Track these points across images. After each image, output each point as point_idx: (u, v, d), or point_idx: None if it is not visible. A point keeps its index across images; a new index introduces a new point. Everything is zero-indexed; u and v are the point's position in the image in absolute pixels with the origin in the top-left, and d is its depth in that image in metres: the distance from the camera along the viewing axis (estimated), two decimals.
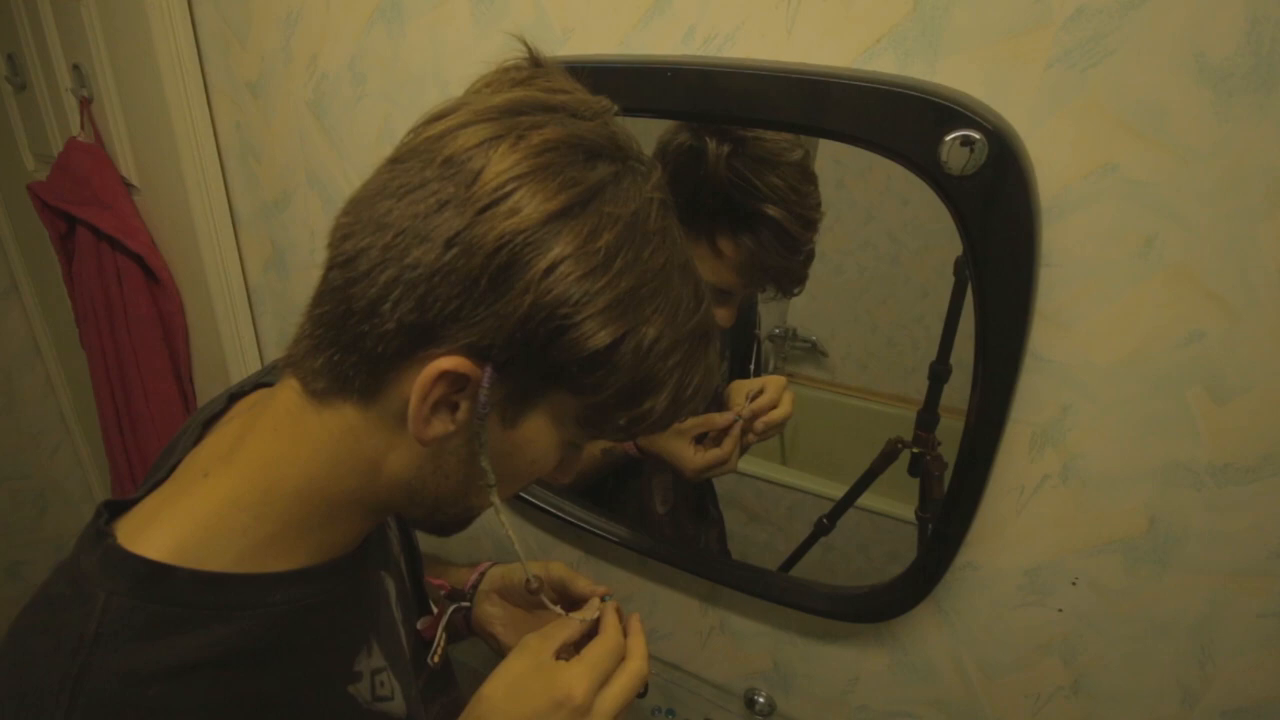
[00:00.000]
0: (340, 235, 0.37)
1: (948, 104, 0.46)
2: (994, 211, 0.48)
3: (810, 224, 0.63)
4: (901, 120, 0.48)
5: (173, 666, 0.36)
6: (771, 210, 0.61)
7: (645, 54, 0.60)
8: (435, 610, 0.61)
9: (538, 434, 0.41)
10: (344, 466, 0.40)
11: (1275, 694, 0.55)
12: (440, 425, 0.38)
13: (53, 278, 1.33)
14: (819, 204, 0.63)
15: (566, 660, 0.48)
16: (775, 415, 0.72)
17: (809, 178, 0.62)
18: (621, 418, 0.40)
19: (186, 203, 0.98)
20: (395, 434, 0.39)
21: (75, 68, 1.07)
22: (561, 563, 0.62)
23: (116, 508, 0.41)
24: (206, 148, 0.96)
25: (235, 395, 0.50)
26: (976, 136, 0.46)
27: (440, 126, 0.37)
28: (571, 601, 0.59)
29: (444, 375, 0.36)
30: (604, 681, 0.47)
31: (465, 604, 0.65)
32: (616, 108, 0.40)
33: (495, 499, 0.42)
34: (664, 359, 0.39)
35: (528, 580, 0.55)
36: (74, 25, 1.01)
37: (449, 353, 0.36)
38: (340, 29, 0.78)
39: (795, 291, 0.70)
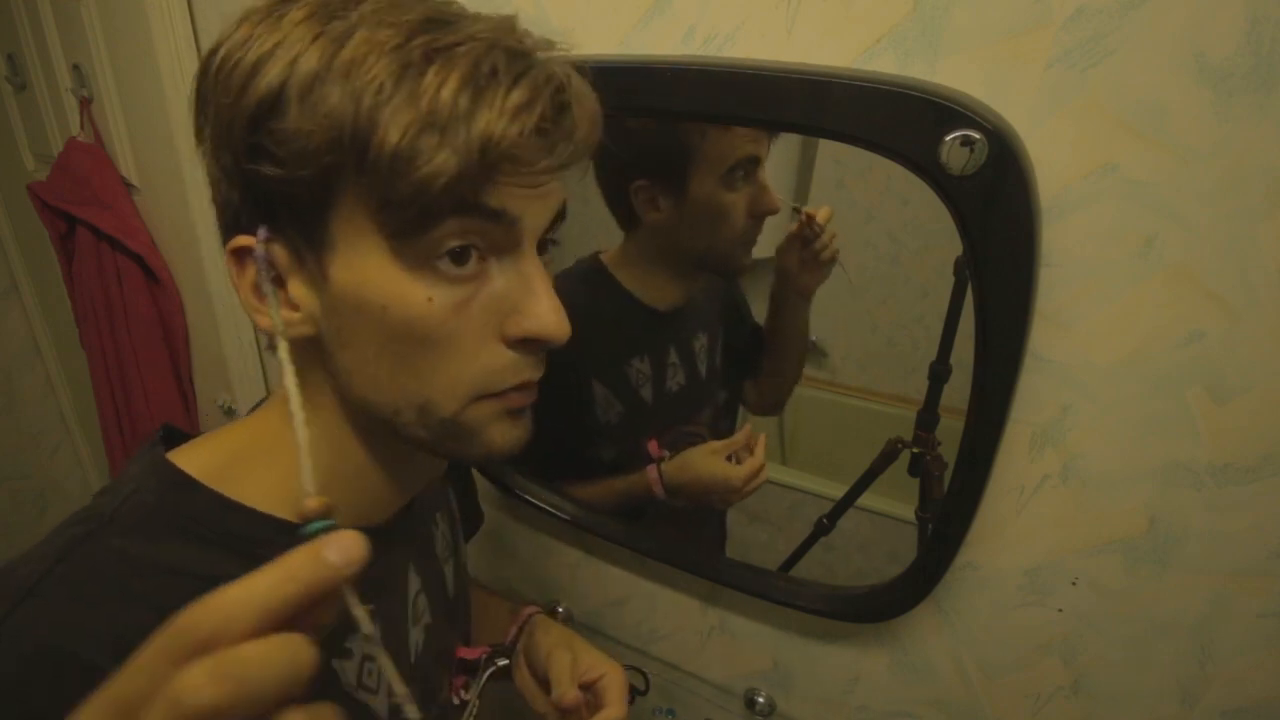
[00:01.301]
0: None
1: (948, 104, 0.46)
2: (994, 211, 0.48)
3: None
4: (901, 120, 0.48)
5: (164, 566, 0.37)
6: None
7: (645, 54, 0.60)
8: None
9: (364, 273, 0.36)
10: (311, 391, 0.41)
11: (1275, 694, 0.55)
12: (283, 314, 0.38)
13: (53, 278, 1.33)
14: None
15: None
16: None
17: None
18: (397, 185, 0.34)
19: (186, 203, 0.98)
20: (305, 352, 0.40)
21: (75, 68, 1.07)
22: (616, 668, 0.61)
23: (172, 433, 0.44)
24: None
25: None
26: (976, 136, 0.46)
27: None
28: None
29: (233, 255, 0.38)
30: None
31: (503, 661, 0.63)
32: None
33: (282, 353, 0.37)
34: (341, 85, 0.33)
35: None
36: (74, 25, 1.01)
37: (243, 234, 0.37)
38: None
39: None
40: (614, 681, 0.60)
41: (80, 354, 1.28)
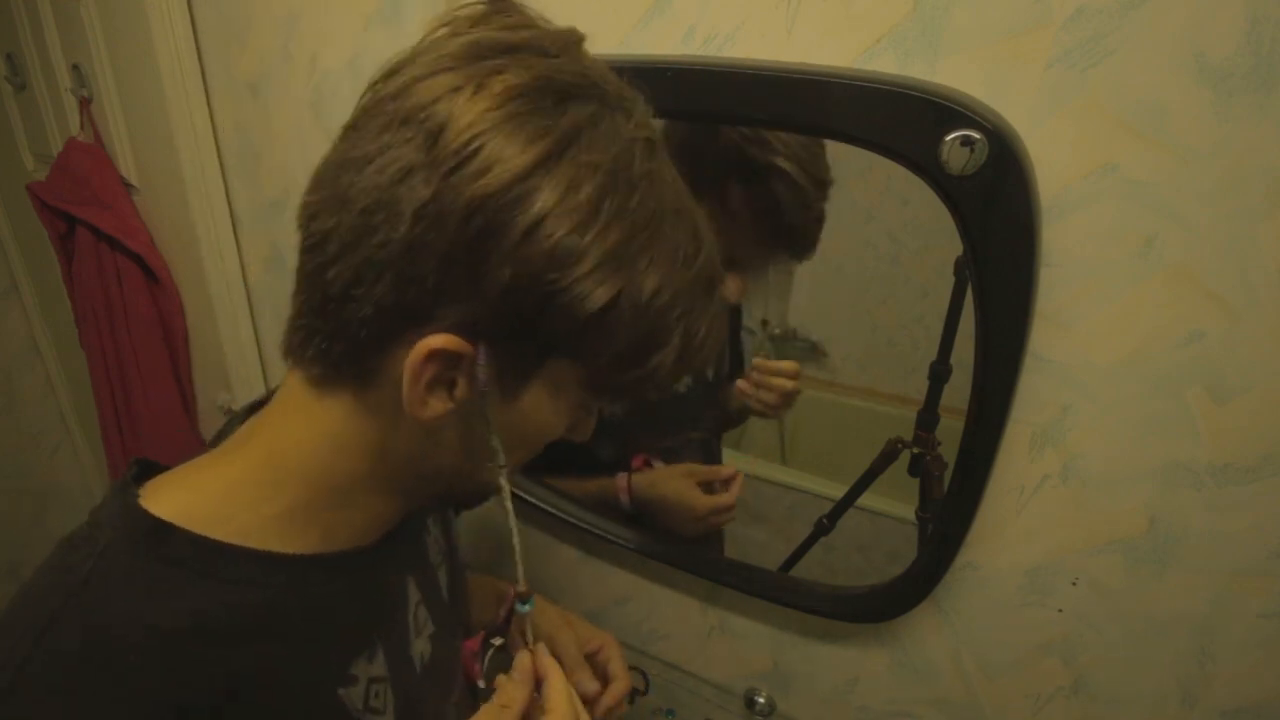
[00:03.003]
0: (308, 215, 0.36)
1: (948, 104, 0.46)
2: (994, 211, 0.48)
3: (821, 184, 0.63)
4: (901, 120, 0.48)
5: (143, 630, 0.35)
6: (783, 163, 0.61)
7: (645, 54, 0.60)
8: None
9: (540, 404, 0.39)
10: (348, 450, 0.40)
11: (1275, 694, 0.55)
12: (438, 404, 0.36)
13: (53, 278, 1.33)
14: (828, 168, 0.62)
15: None
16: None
17: (818, 140, 0.61)
18: (628, 378, 0.38)
19: (186, 203, 0.98)
20: (396, 415, 0.38)
21: (75, 68, 1.07)
22: (610, 637, 0.65)
23: (148, 468, 0.41)
24: (206, 148, 0.96)
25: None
26: (976, 136, 0.46)
27: (396, 83, 0.34)
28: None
29: (434, 354, 0.34)
30: None
31: (499, 641, 0.62)
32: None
33: (504, 481, 0.40)
34: (666, 311, 0.36)
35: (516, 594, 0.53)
36: (74, 25, 1.01)
37: (437, 330, 0.34)
38: (340, 29, 0.78)
39: (806, 257, 0.69)
40: (614, 652, 0.64)
41: (80, 354, 1.28)
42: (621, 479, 0.77)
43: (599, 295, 0.34)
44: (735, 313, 0.77)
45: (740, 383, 0.73)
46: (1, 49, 1.24)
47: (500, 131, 0.32)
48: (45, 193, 1.13)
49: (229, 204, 1.00)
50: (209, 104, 0.95)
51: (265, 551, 0.39)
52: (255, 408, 0.47)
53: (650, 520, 0.79)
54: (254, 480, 0.40)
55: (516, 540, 0.44)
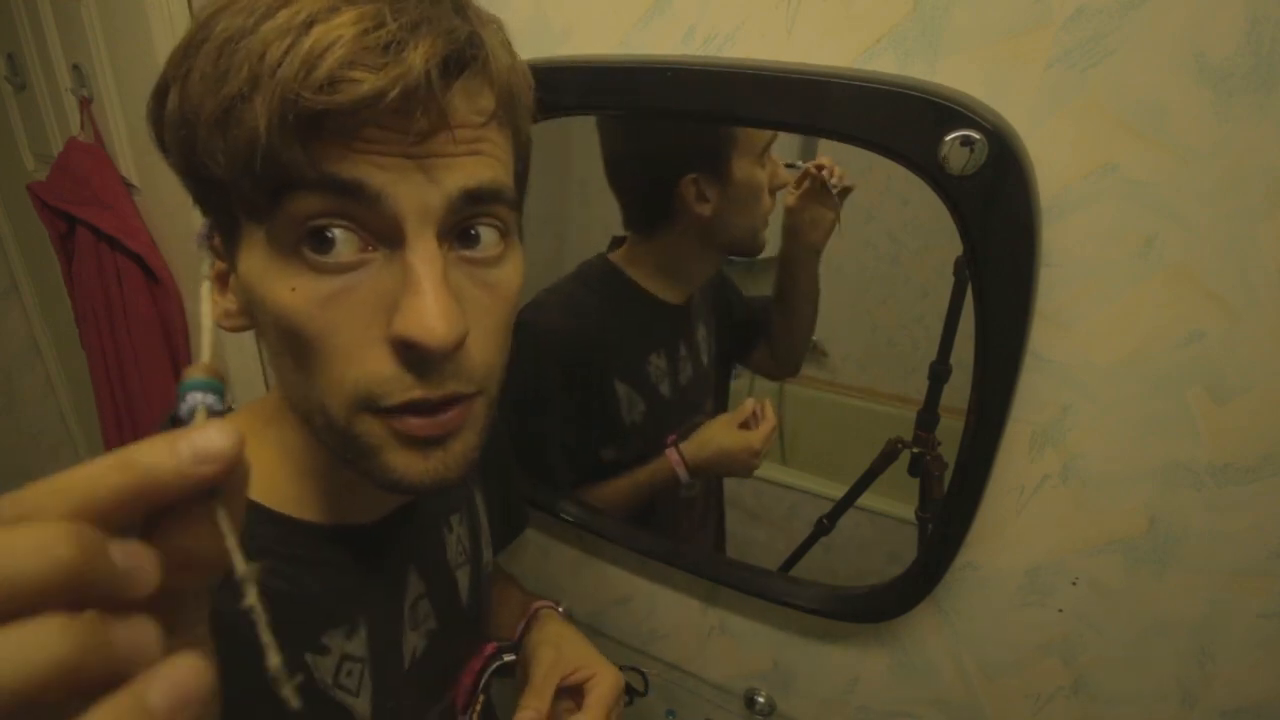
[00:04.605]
0: None
1: (948, 104, 0.46)
2: (994, 211, 0.48)
3: None
4: (901, 120, 0.48)
5: None
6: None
7: (645, 54, 0.60)
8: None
9: (249, 269, 0.35)
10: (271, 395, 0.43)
11: (1275, 694, 0.55)
12: (225, 301, 0.37)
13: (53, 278, 1.33)
14: None
15: None
16: None
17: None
18: (217, 157, 0.32)
19: (186, 203, 0.98)
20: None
21: (75, 68, 1.07)
22: (609, 672, 0.57)
23: None
24: None
25: None
26: (976, 136, 0.46)
27: None
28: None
29: (200, 240, 0.35)
30: None
31: (510, 657, 0.60)
32: None
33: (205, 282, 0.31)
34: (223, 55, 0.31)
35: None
36: (74, 25, 1.01)
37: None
38: None
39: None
40: (599, 685, 0.55)
41: (80, 354, 1.28)
42: (672, 454, 0.77)
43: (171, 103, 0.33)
44: (726, 306, 0.78)
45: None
46: (2, 49, 1.24)
47: None
48: (45, 193, 1.13)
49: None
50: None
51: (266, 508, 0.40)
52: None
53: (707, 478, 0.80)
54: (257, 425, 0.42)
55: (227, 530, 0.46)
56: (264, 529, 0.40)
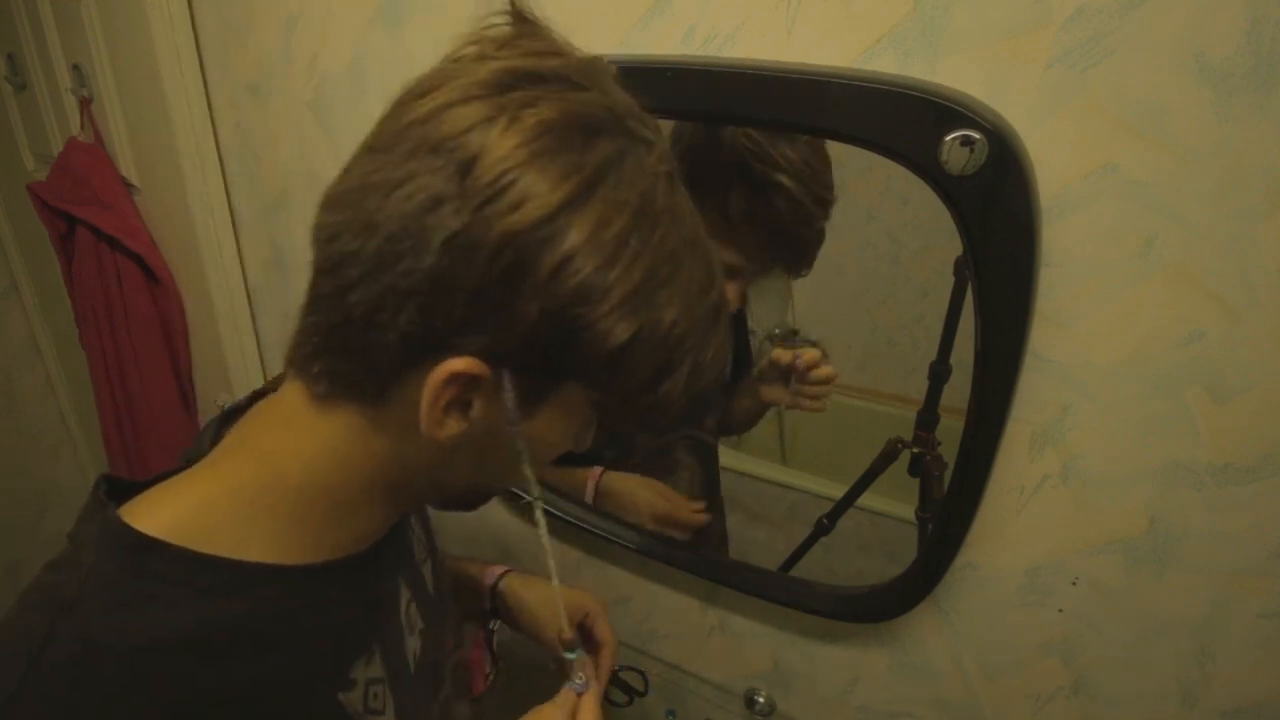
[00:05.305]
0: (326, 236, 0.35)
1: (948, 104, 0.46)
2: (994, 211, 0.48)
3: (822, 202, 0.63)
4: (901, 120, 0.48)
5: (140, 643, 0.35)
6: (784, 179, 0.61)
7: (645, 54, 0.60)
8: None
9: (552, 424, 0.40)
10: (353, 466, 0.39)
11: (1275, 694, 0.55)
12: (454, 425, 0.36)
13: (53, 278, 1.33)
14: (831, 186, 0.62)
15: None
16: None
17: (823, 158, 0.61)
18: (639, 405, 0.39)
19: (186, 203, 0.98)
20: (405, 432, 0.38)
21: (75, 68, 1.07)
22: (590, 600, 0.65)
23: (114, 485, 0.40)
24: (206, 148, 0.96)
25: (259, 394, 0.49)
26: (976, 136, 0.46)
27: (424, 107, 0.34)
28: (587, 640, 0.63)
29: (455, 378, 0.34)
30: None
31: (495, 624, 0.67)
32: (614, 68, 0.37)
33: (539, 515, 0.44)
34: (681, 342, 0.37)
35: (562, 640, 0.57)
36: (74, 25, 1.01)
37: (459, 354, 0.34)
38: (341, 29, 0.78)
39: (803, 273, 0.70)
40: (598, 618, 0.65)
41: (80, 354, 1.28)
42: (595, 471, 0.80)
43: (621, 331, 0.34)
44: (739, 317, 0.78)
45: (775, 392, 0.74)
46: (2, 49, 1.24)
47: (532, 167, 0.32)
48: (45, 193, 1.13)
49: (229, 204, 1.01)
50: (209, 104, 0.95)
51: (259, 563, 0.39)
52: (229, 418, 0.46)
53: (609, 508, 0.83)
54: (247, 493, 0.39)
55: (556, 582, 0.51)
56: (273, 585, 0.39)
